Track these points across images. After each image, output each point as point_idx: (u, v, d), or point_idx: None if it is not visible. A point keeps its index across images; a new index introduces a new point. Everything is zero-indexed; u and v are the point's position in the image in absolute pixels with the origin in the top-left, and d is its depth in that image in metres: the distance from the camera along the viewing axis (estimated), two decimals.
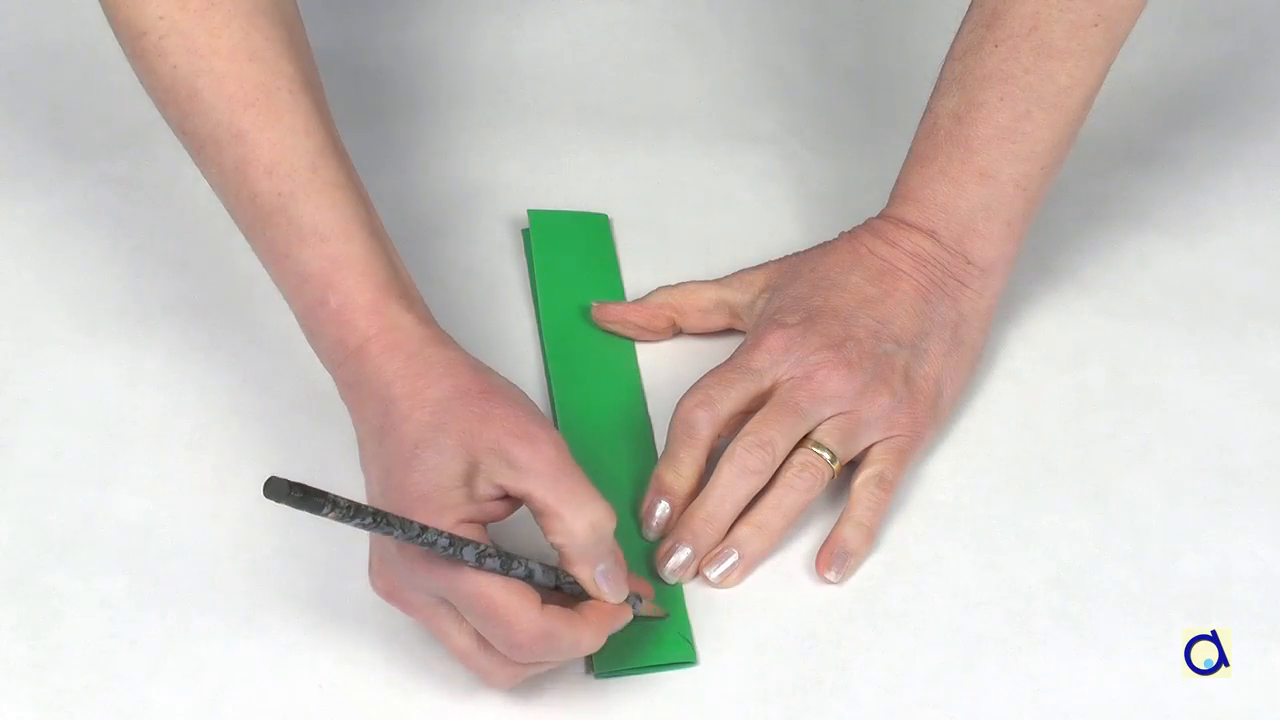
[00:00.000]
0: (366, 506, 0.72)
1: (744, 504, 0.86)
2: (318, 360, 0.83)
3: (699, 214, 1.04)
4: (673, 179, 1.06)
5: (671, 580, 0.86)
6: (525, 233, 1.02)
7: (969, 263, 0.91)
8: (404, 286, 0.82)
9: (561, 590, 0.79)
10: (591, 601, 0.79)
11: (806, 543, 0.88)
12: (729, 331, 0.96)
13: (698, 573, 0.86)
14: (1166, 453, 0.92)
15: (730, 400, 0.88)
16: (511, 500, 0.78)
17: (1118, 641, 0.84)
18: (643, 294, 0.98)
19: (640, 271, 1.00)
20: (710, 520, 0.86)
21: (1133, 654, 0.84)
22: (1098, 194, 1.05)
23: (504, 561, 0.76)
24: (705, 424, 0.87)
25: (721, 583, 0.86)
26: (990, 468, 0.92)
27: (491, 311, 0.98)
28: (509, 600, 0.75)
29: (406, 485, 0.77)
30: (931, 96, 0.93)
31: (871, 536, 0.87)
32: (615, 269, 1.00)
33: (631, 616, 0.80)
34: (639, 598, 0.81)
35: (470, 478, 0.77)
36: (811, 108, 1.10)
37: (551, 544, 0.78)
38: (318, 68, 0.86)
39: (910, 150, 0.93)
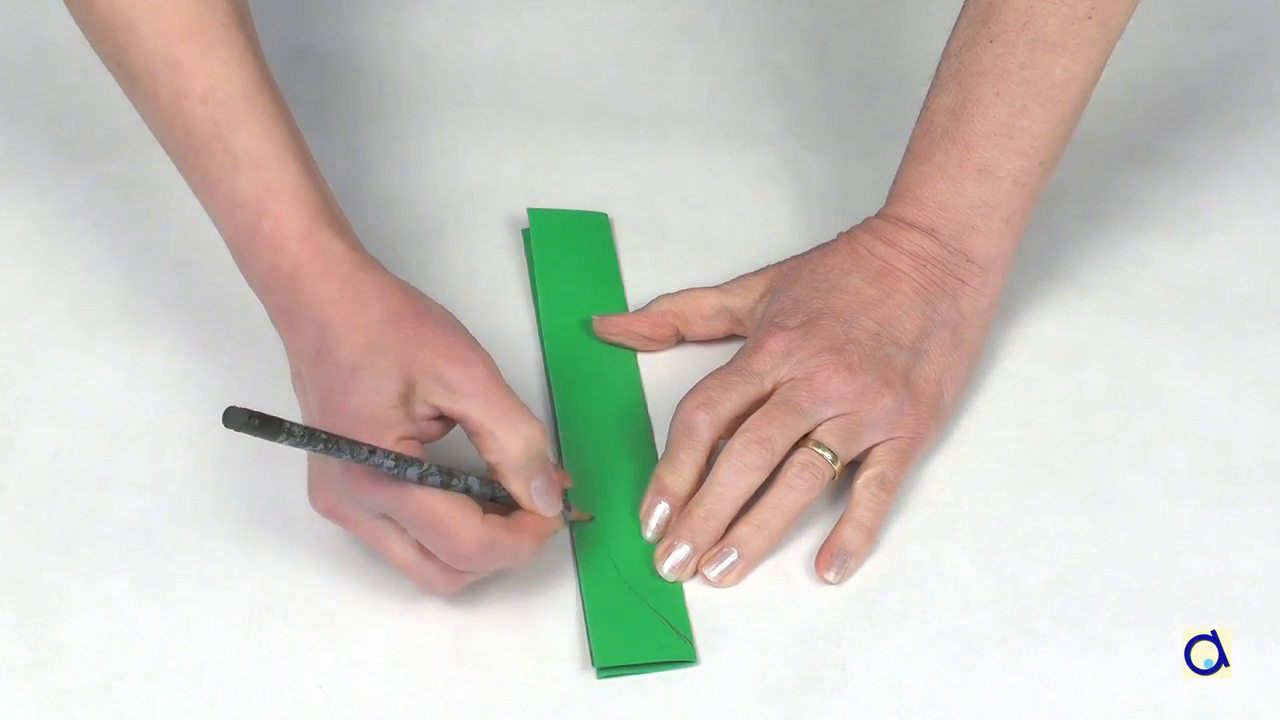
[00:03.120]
0: (319, 432, 0.75)
1: (742, 500, 0.86)
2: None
3: (699, 214, 1.04)
4: (673, 179, 1.06)
5: (671, 578, 0.86)
6: (525, 232, 1.02)
7: (968, 260, 0.91)
8: (334, 214, 0.83)
9: (497, 501, 0.81)
10: (525, 511, 0.81)
11: (806, 543, 0.88)
12: (731, 336, 0.96)
13: (696, 571, 0.86)
14: (1166, 453, 0.92)
15: (731, 402, 0.88)
16: (447, 420, 0.80)
17: (1118, 641, 0.84)
18: (643, 294, 0.98)
19: (640, 271, 1.00)
20: (709, 517, 0.86)
21: (1133, 654, 0.84)
22: (1098, 194, 1.05)
23: (444, 478, 0.78)
24: (705, 425, 0.87)
25: (720, 582, 0.86)
26: (990, 468, 0.92)
27: (491, 311, 0.97)
28: (452, 513, 0.78)
29: (346, 407, 0.78)
30: (928, 93, 0.92)
31: (872, 538, 0.87)
32: (615, 269, 1.00)
33: (563, 524, 0.83)
34: (569, 507, 0.84)
35: (407, 398, 0.79)
36: (811, 108, 1.10)
37: (487, 462, 0.80)
38: (250, 9, 0.87)
39: (907, 148, 0.93)
